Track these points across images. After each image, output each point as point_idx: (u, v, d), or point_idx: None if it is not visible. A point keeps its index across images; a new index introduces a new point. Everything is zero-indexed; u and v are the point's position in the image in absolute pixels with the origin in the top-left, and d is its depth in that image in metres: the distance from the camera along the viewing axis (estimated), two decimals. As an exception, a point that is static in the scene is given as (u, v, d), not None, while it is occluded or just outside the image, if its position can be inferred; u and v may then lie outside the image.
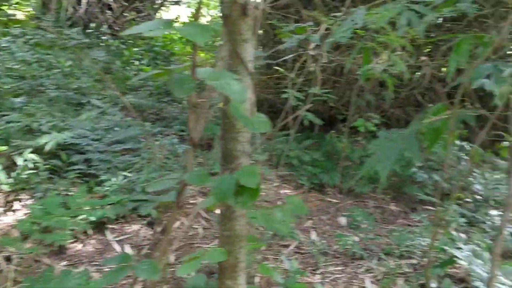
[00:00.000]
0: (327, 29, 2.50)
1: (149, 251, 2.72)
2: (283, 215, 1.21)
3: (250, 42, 1.12)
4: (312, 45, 2.74)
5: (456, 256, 2.42)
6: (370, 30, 2.17)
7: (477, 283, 2.31)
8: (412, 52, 2.96)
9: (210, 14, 9.08)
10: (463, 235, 2.96)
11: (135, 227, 3.03)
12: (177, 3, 8.45)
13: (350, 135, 4.36)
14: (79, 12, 6.93)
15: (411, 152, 1.08)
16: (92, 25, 7.08)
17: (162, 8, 8.75)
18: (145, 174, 3.30)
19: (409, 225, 3.56)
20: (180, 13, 8.44)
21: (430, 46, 4.47)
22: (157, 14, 8.37)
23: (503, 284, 2.19)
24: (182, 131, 4.50)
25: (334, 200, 3.93)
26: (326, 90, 3.14)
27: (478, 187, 3.83)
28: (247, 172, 1.07)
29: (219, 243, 1.40)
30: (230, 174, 1.08)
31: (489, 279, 1.37)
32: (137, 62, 6.50)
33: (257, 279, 2.43)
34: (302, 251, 2.96)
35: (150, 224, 3.02)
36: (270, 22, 4.36)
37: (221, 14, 1.09)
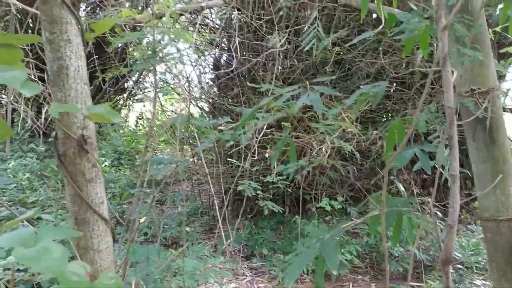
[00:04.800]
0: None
1: None
2: None
3: (97, 181, 0.95)
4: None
5: None
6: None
7: None
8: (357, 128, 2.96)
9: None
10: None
11: None
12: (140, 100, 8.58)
13: (319, 215, 4.23)
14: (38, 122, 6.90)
15: (329, 260, 0.97)
16: (53, 133, 6.98)
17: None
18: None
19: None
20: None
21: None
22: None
23: None
24: (145, 233, 4.27)
25: (311, 289, 3.68)
26: (283, 177, 3.05)
27: (457, 254, 3.68)
28: None
29: None
30: None
31: None
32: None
33: None
34: None
35: None
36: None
37: (55, 155, 0.93)
